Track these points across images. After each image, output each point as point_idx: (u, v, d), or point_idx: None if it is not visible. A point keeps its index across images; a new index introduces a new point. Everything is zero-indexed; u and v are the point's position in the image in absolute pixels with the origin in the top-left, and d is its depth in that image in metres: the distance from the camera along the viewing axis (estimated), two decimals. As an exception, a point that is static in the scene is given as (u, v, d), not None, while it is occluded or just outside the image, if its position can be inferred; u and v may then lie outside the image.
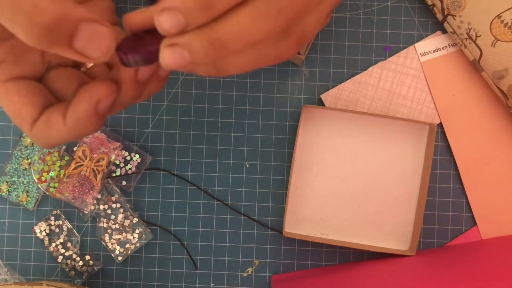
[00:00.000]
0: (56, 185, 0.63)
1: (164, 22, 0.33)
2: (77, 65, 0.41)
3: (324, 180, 0.64)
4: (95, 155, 0.62)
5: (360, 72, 0.65)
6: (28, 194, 0.64)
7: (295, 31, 0.36)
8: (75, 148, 0.63)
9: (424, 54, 0.64)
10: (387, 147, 0.64)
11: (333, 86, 0.65)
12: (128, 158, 0.64)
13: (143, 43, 0.35)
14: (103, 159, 0.62)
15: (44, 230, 0.63)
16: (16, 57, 0.37)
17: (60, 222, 0.64)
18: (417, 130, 0.63)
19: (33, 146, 0.63)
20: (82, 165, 0.62)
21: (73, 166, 0.62)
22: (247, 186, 0.65)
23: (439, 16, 0.63)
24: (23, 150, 0.63)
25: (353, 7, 0.65)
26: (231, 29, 0.33)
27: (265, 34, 0.34)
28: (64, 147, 0.64)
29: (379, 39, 0.65)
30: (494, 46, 0.60)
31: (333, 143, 0.64)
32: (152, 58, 0.35)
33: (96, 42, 0.33)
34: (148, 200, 0.65)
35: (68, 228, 0.64)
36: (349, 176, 0.64)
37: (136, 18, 0.36)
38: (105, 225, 0.63)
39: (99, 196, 0.63)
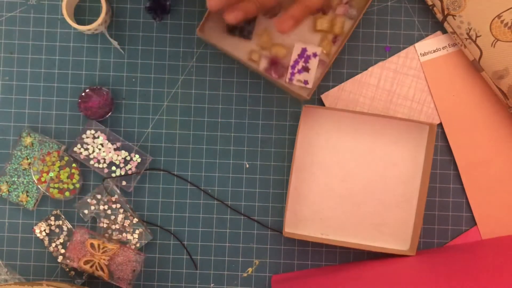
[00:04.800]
0: (56, 185, 0.63)
1: None
2: None
3: (324, 180, 0.64)
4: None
5: (360, 72, 0.65)
6: (28, 194, 0.64)
7: None
8: (75, 148, 0.63)
9: (424, 54, 0.64)
10: (387, 147, 0.64)
11: (333, 86, 0.65)
12: (128, 158, 0.64)
13: None
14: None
15: (44, 230, 0.63)
16: None
17: (60, 222, 0.64)
18: (417, 130, 0.63)
19: (32, 146, 0.63)
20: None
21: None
22: (247, 186, 0.65)
23: (439, 16, 0.63)
24: (23, 150, 0.63)
25: (353, 7, 0.65)
26: None
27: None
28: (63, 147, 0.64)
29: (379, 39, 0.65)
30: (494, 46, 0.60)
31: (333, 143, 0.64)
32: None
33: None
34: (148, 200, 0.65)
35: (68, 228, 0.64)
36: (349, 176, 0.64)
37: None
38: (105, 225, 0.63)
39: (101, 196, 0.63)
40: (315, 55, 0.63)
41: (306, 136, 0.64)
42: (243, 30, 0.63)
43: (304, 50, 0.62)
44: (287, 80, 0.63)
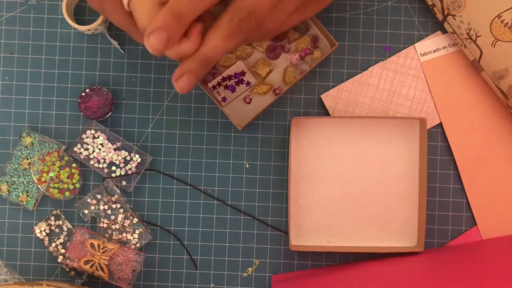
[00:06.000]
0: (56, 185, 0.63)
1: (152, 42, 0.43)
2: None
3: (323, 188, 0.64)
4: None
5: (360, 72, 0.65)
6: (28, 194, 0.64)
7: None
8: (75, 148, 0.63)
9: (424, 54, 0.64)
10: (380, 147, 0.64)
11: (333, 86, 0.65)
12: (128, 158, 0.64)
13: None
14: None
15: (44, 230, 0.63)
16: None
17: (60, 222, 0.64)
18: (408, 126, 0.63)
19: (32, 146, 0.63)
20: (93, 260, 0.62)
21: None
22: (247, 186, 0.65)
23: (439, 16, 0.63)
24: (23, 150, 0.63)
25: (353, 7, 0.65)
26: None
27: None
28: (63, 147, 0.64)
29: (379, 39, 0.65)
30: (494, 46, 0.60)
31: (327, 150, 0.64)
32: None
33: None
34: (148, 200, 0.65)
35: (68, 228, 0.64)
36: (347, 180, 0.64)
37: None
38: (105, 225, 0.64)
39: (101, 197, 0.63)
40: (248, 83, 0.62)
41: (299, 148, 0.64)
42: None
43: (242, 73, 0.62)
44: (210, 85, 0.63)
